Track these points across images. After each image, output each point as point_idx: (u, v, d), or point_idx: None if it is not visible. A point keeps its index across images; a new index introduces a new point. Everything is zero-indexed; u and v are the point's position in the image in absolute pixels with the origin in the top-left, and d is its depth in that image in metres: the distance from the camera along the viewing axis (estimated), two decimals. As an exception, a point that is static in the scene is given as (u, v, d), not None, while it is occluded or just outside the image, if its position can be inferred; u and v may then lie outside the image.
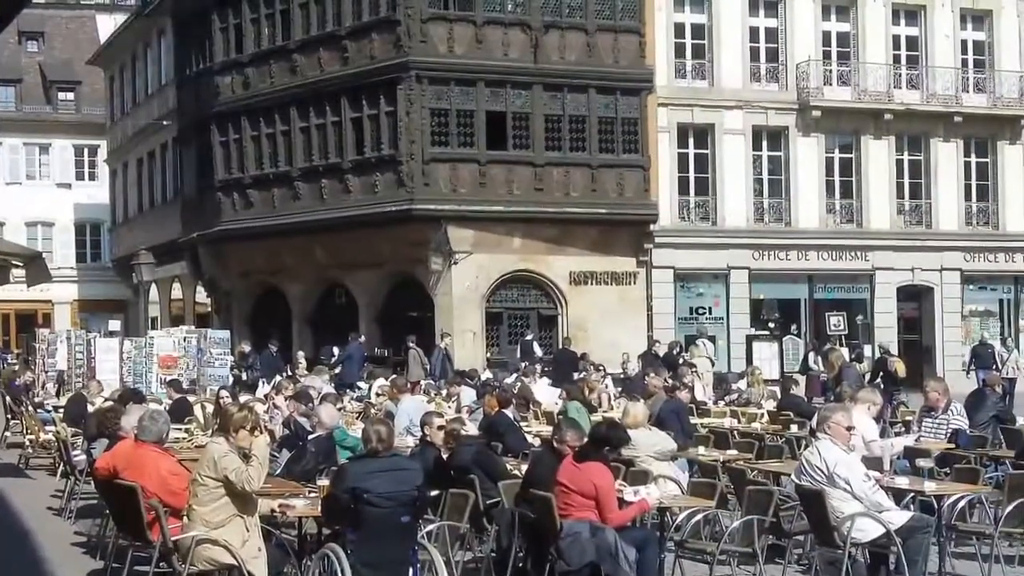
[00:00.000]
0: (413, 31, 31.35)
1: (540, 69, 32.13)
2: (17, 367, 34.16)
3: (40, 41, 57.90)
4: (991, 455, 14.57)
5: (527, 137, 32.17)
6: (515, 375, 26.45)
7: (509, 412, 15.84)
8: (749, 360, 31.90)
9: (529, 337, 32.00)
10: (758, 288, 35.74)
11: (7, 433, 23.45)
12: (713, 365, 30.40)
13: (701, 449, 14.72)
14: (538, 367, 26.73)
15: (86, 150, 55.42)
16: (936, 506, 11.02)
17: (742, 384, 25.12)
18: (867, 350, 33.19)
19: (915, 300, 37.65)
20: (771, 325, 34.89)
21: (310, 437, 13.03)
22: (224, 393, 18.67)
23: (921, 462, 12.22)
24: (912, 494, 11.43)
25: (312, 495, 10.23)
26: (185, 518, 9.52)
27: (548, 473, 10.27)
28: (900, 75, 36.99)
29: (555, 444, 10.71)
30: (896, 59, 37.11)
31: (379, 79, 31.71)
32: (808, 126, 35.81)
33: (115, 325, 39.84)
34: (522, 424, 17.31)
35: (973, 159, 37.89)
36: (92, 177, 55.48)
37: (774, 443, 15.82)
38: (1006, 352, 32.68)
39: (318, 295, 35.64)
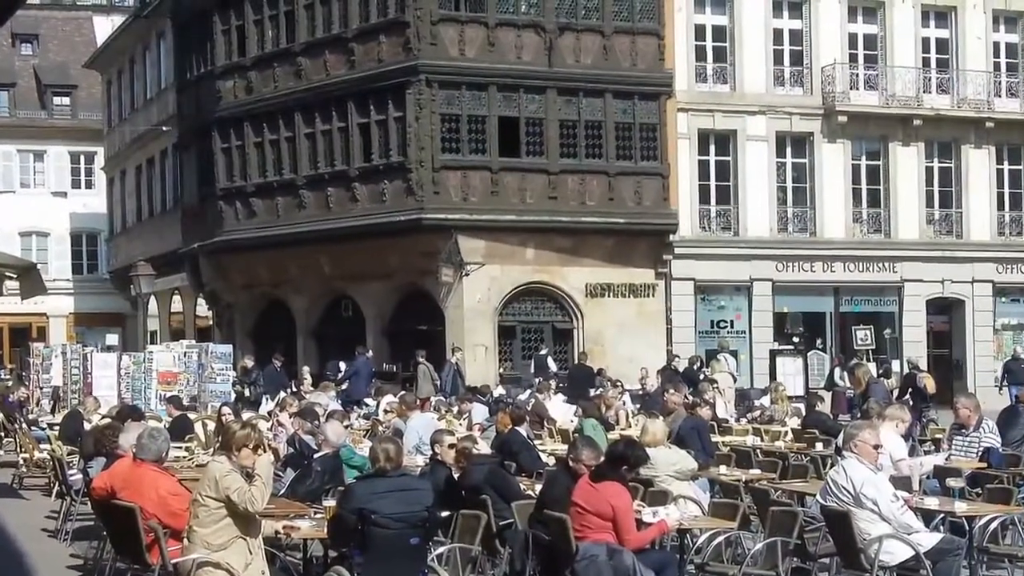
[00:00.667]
0: (423, 33, 31.07)
1: (555, 73, 31.79)
2: (11, 383, 34.17)
3: (35, 43, 57.54)
4: (1024, 474, 14.44)
5: (541, 143, 31.86)
6: (529, 391, 26.57)
7: (523, 430, 15.97)
8: (772, 376, 31.51)
9: (543, 352, 31.78)
10: (782, 301, 35.43)
11: (0, 452, 23.39)
12: (735, 381, 30.46)
13: (723, 468, 14.72)
14: (553, 383, 26.61)
15: (82, 157, 54.82)
16: (967, 527, 10.95)
17: (765, 401, 25.04)
18: (895, 365, 32.95)
19: (945, 313, 37.26)
20: (795, 339, 34.68)
21: (316, 456, 13.06)
22: (226, 410, 18.68)
23: (951, 481, 12.33)
24: (942, 515, 11.35)
25: (318, 516, 10.30)
26: (185, 540, 9.37)
27: (563, 493, 10.24)
28: (930, 79, 36.56)
29: (571, 463, 10.64)
30: (925, 62, 36.67)
31: (387, 83, 31.40)
32: (834, 132, 35.41)
33: (112, 339, 39.97)
34: (536, 442, 17.43)
35: (1006, 166, 37.49)
36: (89, 185, 54.84)
37: (798, 462, 15.66)
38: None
39: (324, 308, 35.36)
